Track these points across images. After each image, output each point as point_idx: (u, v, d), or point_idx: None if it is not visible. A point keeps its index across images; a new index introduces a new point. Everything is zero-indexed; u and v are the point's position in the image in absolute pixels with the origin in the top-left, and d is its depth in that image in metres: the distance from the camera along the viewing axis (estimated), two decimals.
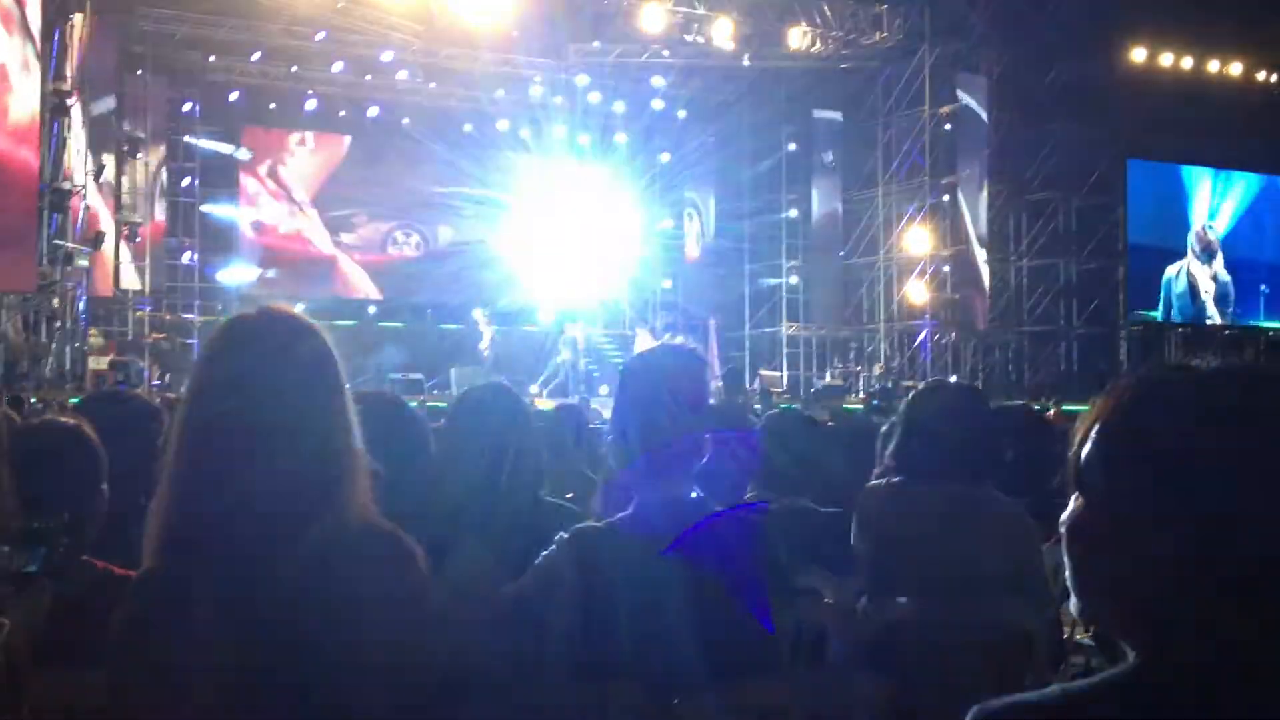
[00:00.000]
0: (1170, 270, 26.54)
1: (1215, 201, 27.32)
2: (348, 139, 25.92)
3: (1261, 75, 26.91)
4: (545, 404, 15.10)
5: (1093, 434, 1.26)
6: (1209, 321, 26.89)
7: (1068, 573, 1.29)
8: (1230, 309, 27.17)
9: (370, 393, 2.53)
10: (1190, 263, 26.84)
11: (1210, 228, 27.13)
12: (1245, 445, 1.16)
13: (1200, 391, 1.22)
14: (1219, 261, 27.06)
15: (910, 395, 3.92)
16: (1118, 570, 1.21)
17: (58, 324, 17.88)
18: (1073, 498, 1.28)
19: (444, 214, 26.80)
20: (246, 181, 24.86)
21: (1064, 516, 1.30)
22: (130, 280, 21.40)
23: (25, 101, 16.65)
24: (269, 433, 1.81)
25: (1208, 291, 26.94)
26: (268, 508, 1.79)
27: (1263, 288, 27.54)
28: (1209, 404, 1.20)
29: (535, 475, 3.33)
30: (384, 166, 25.94)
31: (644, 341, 22.65)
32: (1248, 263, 27.35)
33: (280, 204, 25.29)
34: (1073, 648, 4.54)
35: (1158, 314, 26.43)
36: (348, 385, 1.93)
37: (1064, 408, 18.51)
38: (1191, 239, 26.90)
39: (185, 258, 23.91)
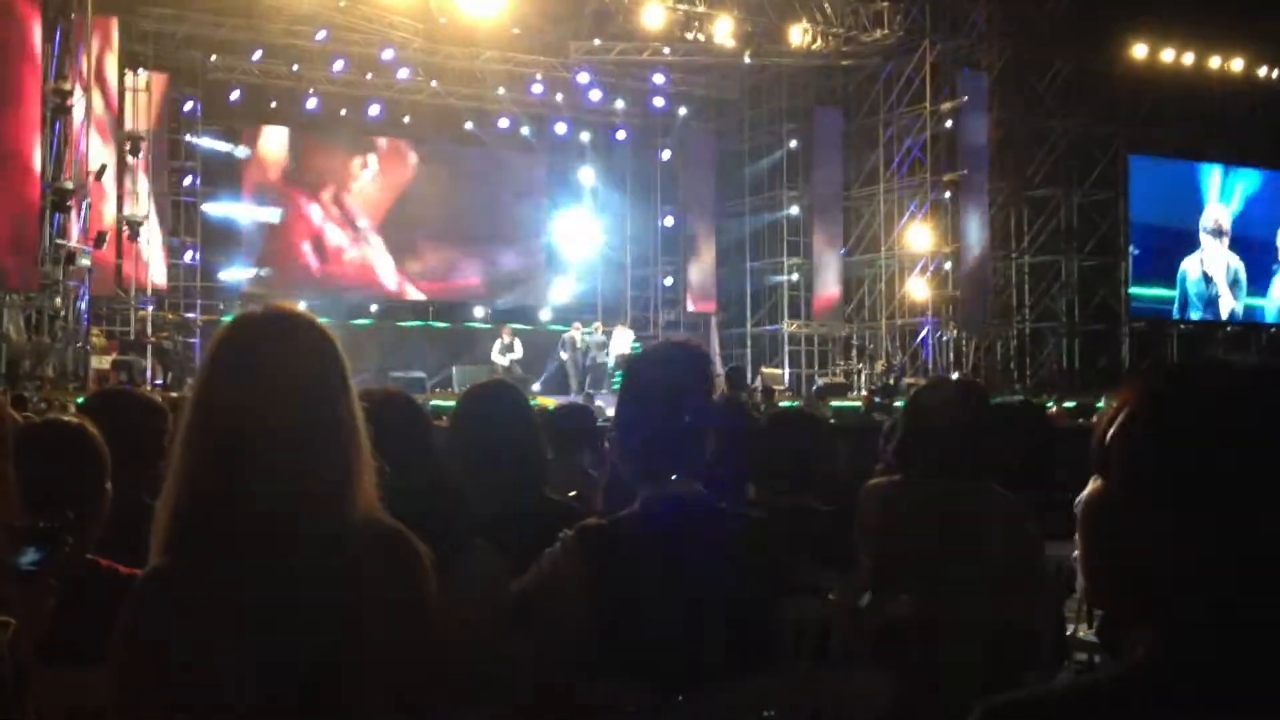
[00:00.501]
0: (1185, 263, 26.56)
1: (1220, 191, 27.37)
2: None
3: (1263, 71, 26.88)
4: (547, 401, 15.11)
5: (1120, 419, 1.25)
6: (1220, 300, 26.88)
7: (1078, 553, 1.29)
8: (1243, 292, 27.19)
9: (377, 390, 2.53)
10: (1204, 248, 26.86)
11: (1222, 204, 27.15)
12: (1270, 443, 1.17)
13: (1232, 387, 1.22)
14: (1227, 243, 27.13)
15: (911, 392, 3.91)
16: (1130, 557, 1.21)
17: (60, 323, 17.89)
18: (1092, 479, 1.28)
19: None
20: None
21: (1081, 497, 1.30)
22: (158, 275, 21.75)
23: (28, 100, 16.67)
24: (275, 431, 1.81)
25: (1220, 277, 26.97)
26: (274, 506, 1.80)
27: (1274, 266, 27.72)
28: (1240, 400, 1.20)
29: (539, 472, 3.33)
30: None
31: (621, 339, 22.80)
32: (1260, 244, 27.52)
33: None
34: (1076, 644, 4.55)
35: (1173, 294, 26.37)
36: (353, 382, 1.93)
37: (1065, 404, 18.56)
38: (1203, 219, 26.88)
39: (187, 257, 23.94)
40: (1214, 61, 25.98)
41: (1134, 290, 26.22)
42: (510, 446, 3.22)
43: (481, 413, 3.31)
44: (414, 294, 25.92)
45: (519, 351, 21.91)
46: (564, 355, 22.46)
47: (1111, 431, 1.25)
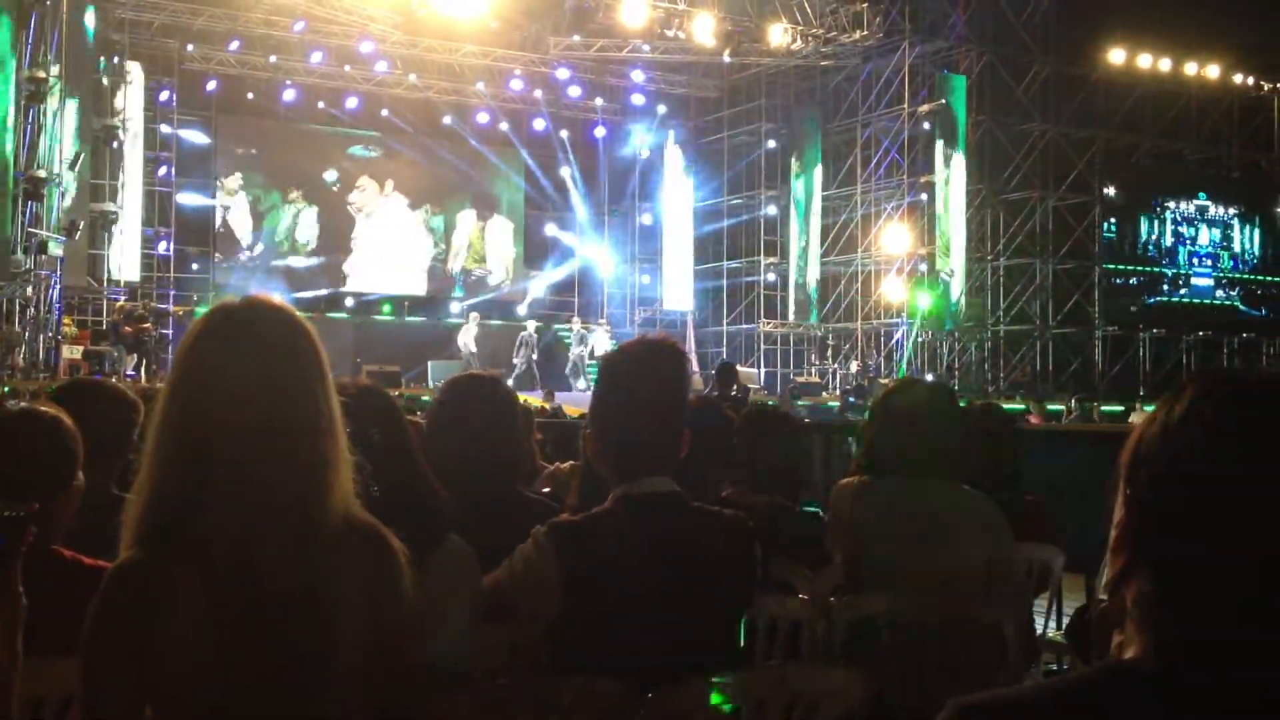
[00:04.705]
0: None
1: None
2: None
3: (1239, 77, 27.11)
4: (533, 400, 15.11)
5: (1142, 431, 1.27)
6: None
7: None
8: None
9: (351, 383, 2.51)
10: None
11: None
12: (1257, 456, 1.18)
13: (1236, 402, 1.22)
14: None
15: (881, 393, 3.93)
16: (1133, 562, 1.23)
17: (31, 313, 17.74)
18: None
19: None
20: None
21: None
22: (131, 266, 21.58)
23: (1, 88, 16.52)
24: (251, 424, 1.80)
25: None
26: (249, 500, 1.79)
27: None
28: (1241, 414, 1.21)
29: (516, 468, 3.30)
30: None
31: (600, 339, 23.04)
32: None
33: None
34: (1044, 645, 4.57)
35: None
36: (330, 376, 1.92)
37: (1048, 407, 18.69)
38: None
39: (160, 247, 23.80)
40: (1190, 68, 26.18)
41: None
42: (489, 441, 3.20)
43: (461, 406, 3.28)
44: (389, 288, 25.85)
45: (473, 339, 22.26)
46: (524, 352, 22.68)
47: (1132, 444, 1.27)
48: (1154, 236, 26.69)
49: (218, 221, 24.51)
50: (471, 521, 2.77)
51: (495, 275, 27.19)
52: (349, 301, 25.29)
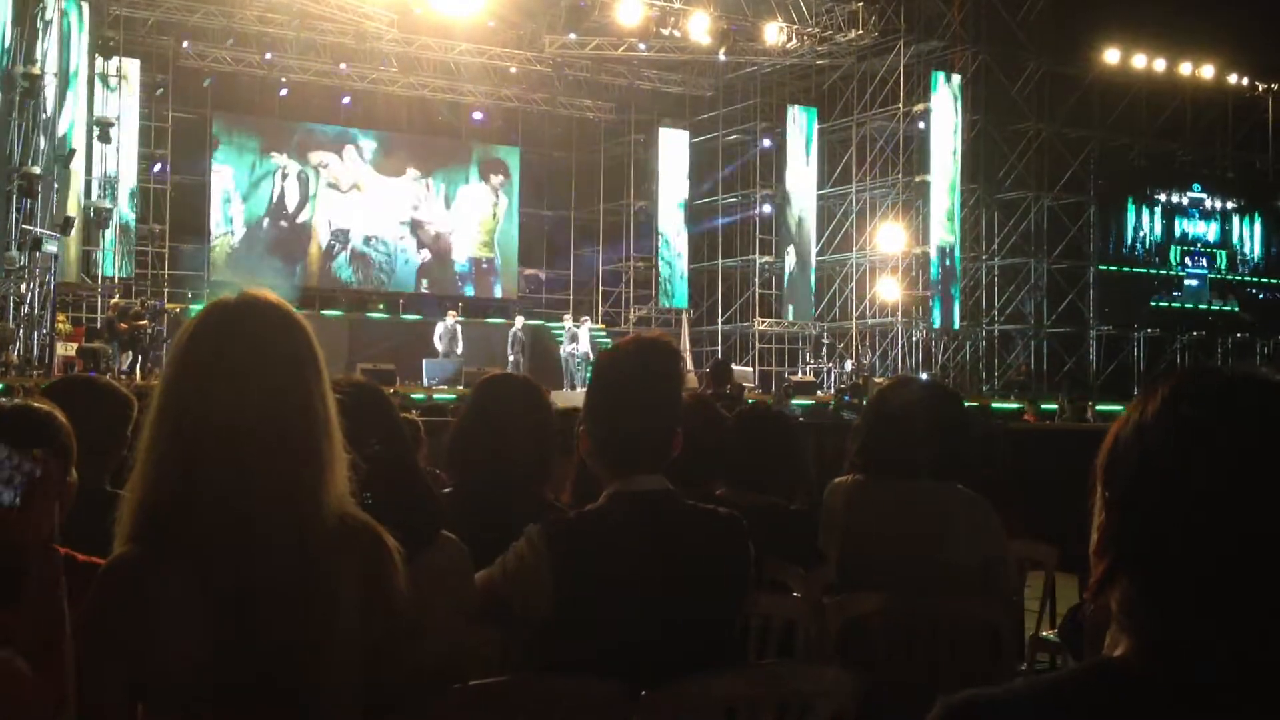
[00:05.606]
0: None
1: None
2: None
3: (1233, 78, 27.15)
4: None
5: (1117, 431, 1.27)
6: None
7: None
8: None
9: (344, 380, 2.51)
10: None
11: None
12: (1230, 452, 1.18)
13: (1208, 398, 1.22)
14: None
15: (876, 391, 3.92)
16: (1114, 563, 1.23)
17: (25, 310, 17.70)
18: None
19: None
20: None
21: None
22: (123, 267, 21.54)
23: None
24: (247, 422, 1.79)
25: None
26: (244, 497, 1.78)
27: None
28: (1213, 410, 1.20)
29: (543, 471, 3.26)
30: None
31: (585, 337, 23.10)
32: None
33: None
34: (1039, 645, 4.58)
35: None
36: (326, 373, 1.92)
37: (1041, 406, 18.69)
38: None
39: (155, 244, 23.76)
40: (1185, 68, 26.22)
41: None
42: (525, 442, 3.17)
43: (498, 407, 3.24)
44: (385, 287, 25.86)
45: (460, 341, 22.18)
46: (515, 350, 22.68)
47: (1109, 441, 1.27)
48: (1148, 237, 26.65)
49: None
50: (496, 522, 2.76)
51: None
52: (344, 299, 25.27)
